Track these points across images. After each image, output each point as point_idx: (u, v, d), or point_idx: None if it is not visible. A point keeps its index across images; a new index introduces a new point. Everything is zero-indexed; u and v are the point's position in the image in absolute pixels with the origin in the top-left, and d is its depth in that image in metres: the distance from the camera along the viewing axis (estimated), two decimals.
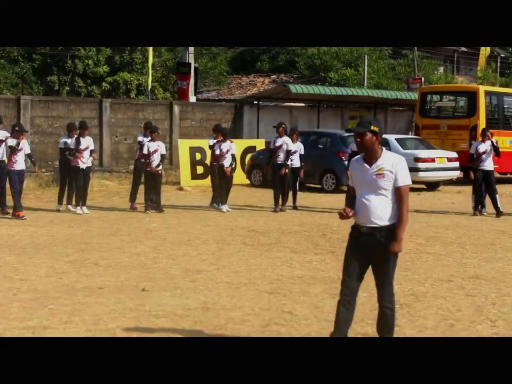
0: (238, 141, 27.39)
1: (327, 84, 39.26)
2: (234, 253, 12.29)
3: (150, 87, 31.88)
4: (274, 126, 19.20)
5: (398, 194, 6.65)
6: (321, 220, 16.39)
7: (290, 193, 18.56)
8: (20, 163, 16.12)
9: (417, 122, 28.76)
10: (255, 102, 30.63)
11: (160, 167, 17.87)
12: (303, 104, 33.01)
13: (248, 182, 24.79)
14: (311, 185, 23.14)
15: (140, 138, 18.43)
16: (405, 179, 6.66)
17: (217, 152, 18.13)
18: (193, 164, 24.35)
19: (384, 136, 22.46)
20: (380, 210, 6.65)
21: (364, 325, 8.04)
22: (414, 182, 8.21)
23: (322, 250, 12.69)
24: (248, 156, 25.34)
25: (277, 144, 18.34)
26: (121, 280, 10.15)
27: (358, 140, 6.65)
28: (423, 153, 24.02)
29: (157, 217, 16.63)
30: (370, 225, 6.68)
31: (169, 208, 18.33)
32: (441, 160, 24.28)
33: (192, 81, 31.41)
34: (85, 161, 16.99)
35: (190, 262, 11.45)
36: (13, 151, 15.98)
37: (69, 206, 17.15)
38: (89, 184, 17.90)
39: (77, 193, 17.03)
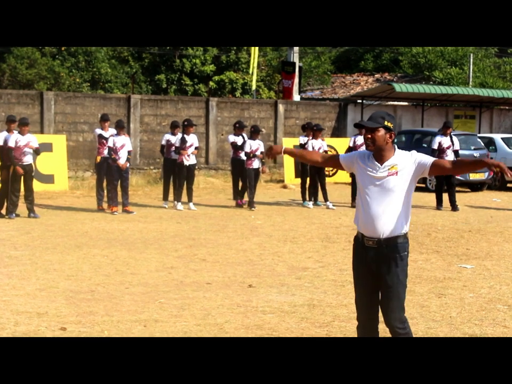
0: (341, 139, 27.47)
1: (431, 82, 38.81)
2: (339, 250, 12.37)
3: (255, 86, 32.16)
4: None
5: (439, 167, 5.78)
6: (426, 219, 16.29)
7: None
8: (122, 159, 16.54)
9: None
10: (359, 101, 30.54)
11: (260, 166, 18.21)
12: (406, 103, 32.76)
13: (350, 180, 24.78)
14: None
15: (232, 138, 18.70)
16: (428, 157, 5.83)
17: (310, 149, 18.38)
18: (297, 162, 24.49)
19: (489, 135, 21.89)
20: (390, 217, 5.74)
21: (471, 325, 8.02)
22: None
23: (427, 249, 12.65)
24: None
25: (358, 143, 18.52)
26: (228, 276, 10.37)
27: (369, 136, 5.77)
28: None
29: (262, 214, 16.84)
30: (378, 237, 5.76)
31: (274, 205, 18.55)
32: None
33: (296, 80, 31.56)
34: (189, 158, 17.37)
35: (295, 259, 11.60)
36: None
37: (177, 203, 17.51)
38: (195, 181, 18.28)
39: (178, 190, 17.41)
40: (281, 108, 27.84)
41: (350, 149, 18.41)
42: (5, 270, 10.36)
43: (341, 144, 26.56)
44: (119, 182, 16.60)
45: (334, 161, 6.23)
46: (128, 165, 16.77)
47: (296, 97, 31.24)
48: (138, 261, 11.24)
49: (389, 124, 5.76)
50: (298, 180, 23.76)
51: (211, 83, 35.12)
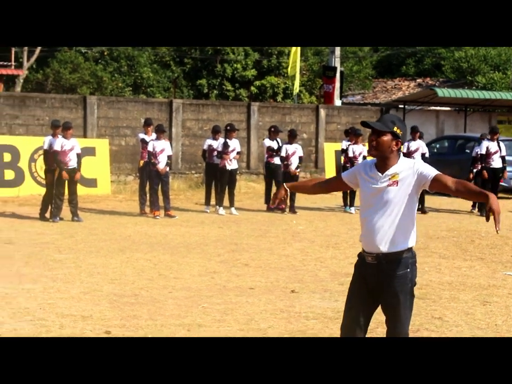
0: None
1: (474, 87, 38.50)
2: None
3: (297, 91, 32.14)
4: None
5: (440, 183, 5.19)
6: (469, 225, 16.17)
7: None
8: (161, 164, 16.62)
9: None
10: (401, 106, 30.40)
11: (298, 169, 18.31)
12: (449, 108, 32.54)
13: None
14: None
15: (268, 143, 18.70)
16: (432, 169, 5.26)
17: (351, 154, 18.43)
18: (339, 166, 24.42)
19: None
20: (390, 231, 5.26)
21: None
22: None
23: (471, 256, 12.54)
24: None
25: (412, 148, 18.52)
26: (271, 281, 10.36)
27: (373, 139, 5.28)
28: None
29: (304, 220, 16.82)
30: (377, 252, 5.28)
31: (316, 211, 18.53)
32: None
33: (337, 85, 31.50)
34: (231, 163, 17.44)
35: (338, 265, 11.56)
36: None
37: (219, 208, 17.55)
38: (237, 186, 18.33)
39: (220, 194, 17.46)
40: (322, 112, 27.78)
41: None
42: (49, 273, 10.45)
43: None
44: (160, 186, 16.67)
45: (337, 182, 5.74)
46: (167, 169, 16.84)
47: (338, 102, 31.17)
48: (181, 265, 11.28)
49: (398, 131, 5.27)
50: None
51: (252, 88, 35.18)
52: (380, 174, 5.29)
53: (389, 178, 5.26)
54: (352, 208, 18.50)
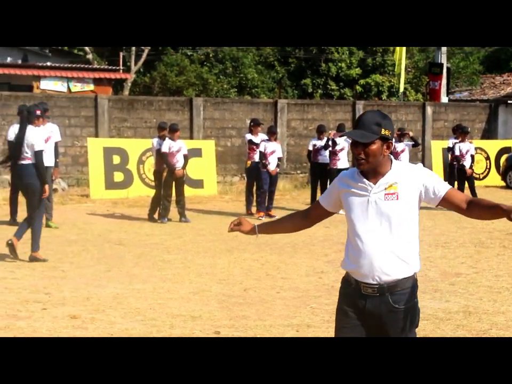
0: (492, 141, 26.76)
1: None
2: (494, 256, 12.02)
3: (402, 89, 31.77)
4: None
5: (455, 199, 4.39)
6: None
7: None
8: (272, 165, 16.67)
9: None
10: (510, 102, 29.69)
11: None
12: None
13: (503, 183, 24.17)
14: None
15: (314, 141, 18.49)
16: (444, 184, 4.44)
17: (457, 153, 18.13)
18: (446, 164, 24.03)
19: None
20: (393, 255, 4.36)
21: None
22: None
23: None
24: (504, 157, 24.72)
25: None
26: None
27: (360, 152, 4.33)
28: None
29: None
30: (379, 283, 4.36)
31: (423, 209, 18.18)
32: None
33: (444, 81, 30.99)
34: (341, 163, 17.38)
35: (448, 265, 11.34)
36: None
37: None
38: None
39: None
40: (429, 110, 27.37)
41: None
42: (159, 273, 10.59)
43: (491, 147, 25.88)
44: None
45: (316, 209, 4.74)
46: (277, 170, 16.92)
47: (444, 99, 30.70)
48: (289, 266, 11.26)
49: (387, 132, 4.34)
50: None
51: (357, 87, 34.93)
52: (371, 184, 4.37)
53: (385, 189, 4.35)
54: None
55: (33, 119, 11.50)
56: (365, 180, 4.38)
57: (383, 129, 4.32)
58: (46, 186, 11.19)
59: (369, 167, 4.35)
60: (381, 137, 4.31)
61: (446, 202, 4.40)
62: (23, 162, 11.20)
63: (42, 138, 11.53)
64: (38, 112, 11.69)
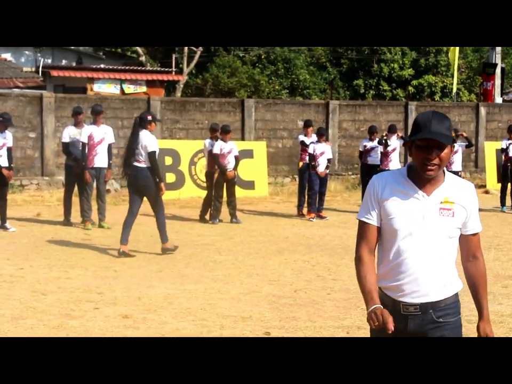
0: None
1: None
2: None
3: (455, 89, 31.50)
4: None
5: (472, 244, 4.07)
6: None
7: None
8: (321, 167, 16.65)
9: None
10: None
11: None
12: None
13: None
14: None
15: (365, 142, 18.44)
16: (479, 222, 4.09)
17: (511, 154, 17.99)
18: (499, 165, 23.75)
19: None
20: (439, 275, 3.98)
21: None
22: None
23: None
24: None
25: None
26: None
27: (435, 156, 3.85)
28: None
29: None
30: (425, 301, 3.98)
31: None
32: None
33: (498, 81, 30.65)
34: (392, 164, 17.31)
35: (501, 267, 11.22)
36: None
37: None
38: None
39: None
40: (482, 110, 27.08)
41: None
42: (210, 274, 10.64)
43: None
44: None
45: (372, 233, 4.10)
46: (327, 172, 16.88)
47: (498, 99, 30.35)
48: (339, 267, 11.24)
49: (453, 134, 4.15)
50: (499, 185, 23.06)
51: (409, 87, 34.72)
52: (423, 194, 3.94)
53: (441, 203, 3.93)
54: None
55: (145, 124, 12.03)
56: (416, 187, 3.94)
57: (452, 132, 3.90)
58: (162, 184, 11.96)
59: (435, 175, 3.90)
60: (453, 140, 3.92)
61: (463, 240, 4.06)
62: (138, 165, 11.86)
63: (155, 141, 12.10)
64: (149, 118, 12.17)
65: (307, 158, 16.87)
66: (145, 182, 11.84)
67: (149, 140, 11.87)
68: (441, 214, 3.91)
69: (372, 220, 4.06)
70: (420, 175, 3.90)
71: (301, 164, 17.20)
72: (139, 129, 11.94)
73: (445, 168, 3.98)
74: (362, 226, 4.12)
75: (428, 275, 3.94)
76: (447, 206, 3.91)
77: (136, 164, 11.86)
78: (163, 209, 12.26)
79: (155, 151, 11.90)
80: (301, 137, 17.29)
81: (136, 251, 12.22)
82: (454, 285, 4.05)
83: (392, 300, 4.03)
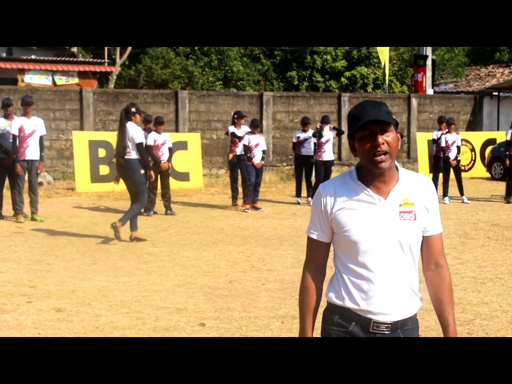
0: (477, 133, 26.85)
1: None
2: (478, 247, 12.07)
3: (387, 81, 31.85)
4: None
5: (434, 247, 3.53)
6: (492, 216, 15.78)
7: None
8: (257, 158, 16.70)
9: None
10: (495, 94, 29.78)
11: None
12: None
13: (488, 175, 24.30)
14: None
15: (298, 134, 18.56)
16: (440, 222, 3.57)
17: (443, 144, 18.15)
18: (431, 156, 24.16)
19: None
20: (409, 289, 3.49)
21: None
22: None
23: None
24: (489, 149, 24.88)
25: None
26: None
27: (380, 140, 3.36)
28: None
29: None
30: (396, 320, 3.49)
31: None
32: None
33: (429, 73, 31.07)
34: (326, 155, 17.45)
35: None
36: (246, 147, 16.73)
37: (310, 199, 17.55)
38: (331, 177, 18.28)
39: (315, 186, 17.47)
40: (414, 102, 27.45)
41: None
42: (144, 266, 10.59)
43: (476, 138, 25.98)
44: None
45: (320, 250, 3.60)
46: (262, 163, 16.94)
47: (430, 91, 30.77)
48: (274, 258, 11.28)
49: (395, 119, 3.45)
50: (430, 176, 23.42)
51: (342, 79, 34.99)
52: (379, 197, 3.43)
53: (400, 205, 3.44)
54: (446, 198, 18.16)
55: (130, 116, 12.39)
56: (370, 190, 3.43)
57: (393, 116, 3.44)
58: (151, 172, 13.33)
59: (388, 167, 3.39)
60: (396, 124, 3.44)
61: (424, 244, 3.53)
62: (126, 157, 12.30)
63: (141, 132, 12.60)
64: (133, 110, 12.45)
65: (237, 149, 16.88)
66: (129, 173, 12.32)
67: (135, 131, 12.28)
68: (402, 218, 3.41)
69: (319, 235, 3.58)
70: (372, 174, 3.43)
71: (231, 156, 17.19)
72: (126, 122, 12.32)
73: (397, 163, 3.52)
74: (310, 242, 3.65)
75: (398, 291, 3.47)
76: (408, 208, 3.42)
77: (125, 156, 12.30)
78: (141, 205, 12.68)
79: (142, 142, 12.36)
80: (231, 129, 17.27)
81: (70, 243, 12.09)
82: (418, 295, 3.55)
83: (358, 317, 3.52)
